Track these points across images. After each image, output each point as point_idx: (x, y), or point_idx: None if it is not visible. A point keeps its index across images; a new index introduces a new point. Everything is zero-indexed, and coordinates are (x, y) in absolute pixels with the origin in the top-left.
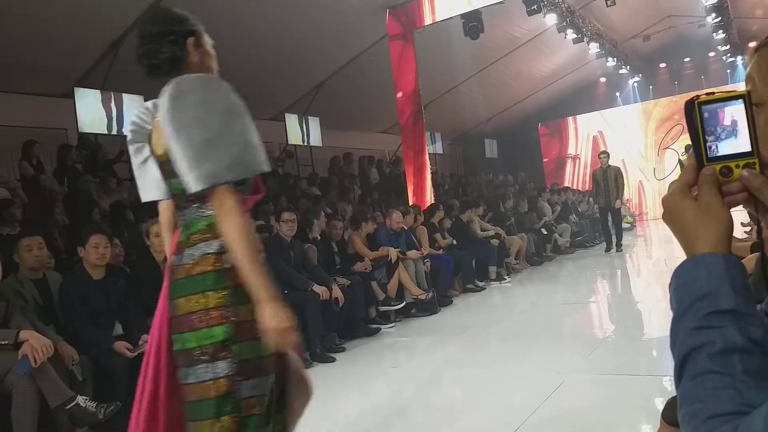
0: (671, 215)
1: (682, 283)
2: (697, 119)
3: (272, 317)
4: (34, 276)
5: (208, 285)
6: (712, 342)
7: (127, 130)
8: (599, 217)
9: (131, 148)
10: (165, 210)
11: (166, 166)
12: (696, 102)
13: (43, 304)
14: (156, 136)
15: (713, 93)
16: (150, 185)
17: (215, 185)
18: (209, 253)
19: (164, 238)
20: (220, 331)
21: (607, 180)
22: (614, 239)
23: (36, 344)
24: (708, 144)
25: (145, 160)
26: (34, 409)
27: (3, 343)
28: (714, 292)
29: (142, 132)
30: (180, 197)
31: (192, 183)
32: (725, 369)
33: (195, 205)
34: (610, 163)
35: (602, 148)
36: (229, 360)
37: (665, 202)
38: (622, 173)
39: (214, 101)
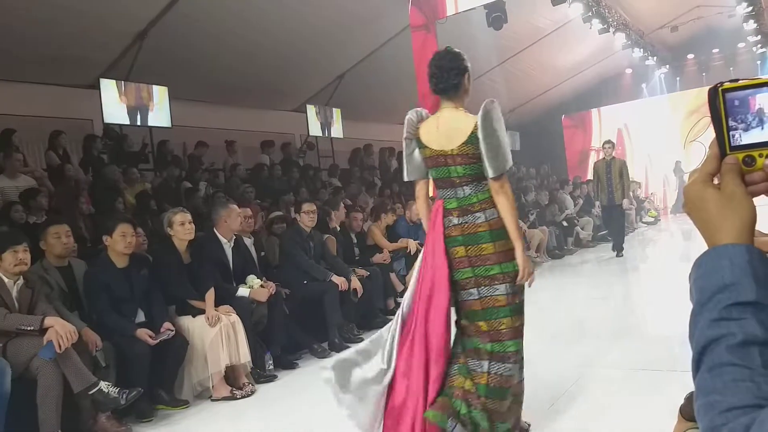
0: (693, 205)
1: (703, 274)
2: (721, 107)
3: (525, 260)
4: (59, 263)
5: (503, 235)
6: (732, 334)
7: (406, 128)
8: (602, 215)
9: (405, 143)
10: (423, 186)
11: (456, 157)
12: (720, 89)
13: (68, 291)
14: (445, 138)
15: (737, 80)
16: (414, 169)
17: (501, 174)
18: (497, 217)
19: (421, 205)
20: (514, 264)
21: (611, 174)
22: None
23: (61, 330)
24: (731, 132)
25: (412, 152)
26: (58, 393)
27: (29, 328)
28: (736, 283)
29: (412, 131)
30: (454, 179)
31: (491, 172)
32: (744, 361)
33: (470, 185)
34: (632, 156)
35: (627, 141)
36: (513, 281)
37: (687, 191)
38: (627, 167)
39: (500, 117)
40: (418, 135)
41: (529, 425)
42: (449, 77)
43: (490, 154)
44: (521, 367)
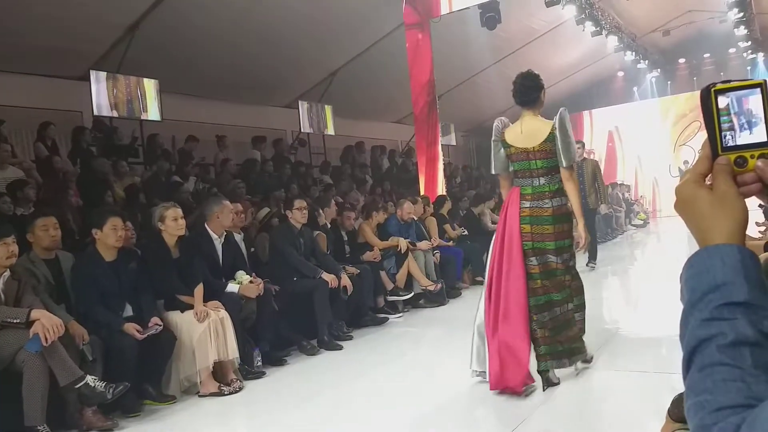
0: (685, 204)
1: (694, 273)
2: (713, 107)
3: (586, 233)
4: (46, 256)
5: (566, 219)
6: (723, 334)
7: (494, 133)
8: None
9: (493, 144)
10: (506, 177)
11: (537, 152)
12: (712, 90)
13: (55, 284)
14: (527, 138)
15: (730, 81)
16: (499, 164)
17: (570, 165)
18: (565, 204)
19: (505, 192)
20: (569, 242)
21: (583, 176)
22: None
23: (47, 323)
24: (723, 133)
25: (498, 151)
26: (43, 387)
27: (15, 321)
28: (727, 283)
29: (499, 135)
30: (533, 170)
31: (564, 162)
32: (735, 361)
33: (545, 177)
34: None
35: (618, 143)
36: (570, 254)
37: (678, 191)
38: (600, 168)
39: (569, 121)
40: (503, 138)
41: (592, 356)
42: (531, 93)
43: (564, 147)
44: (569, 304)
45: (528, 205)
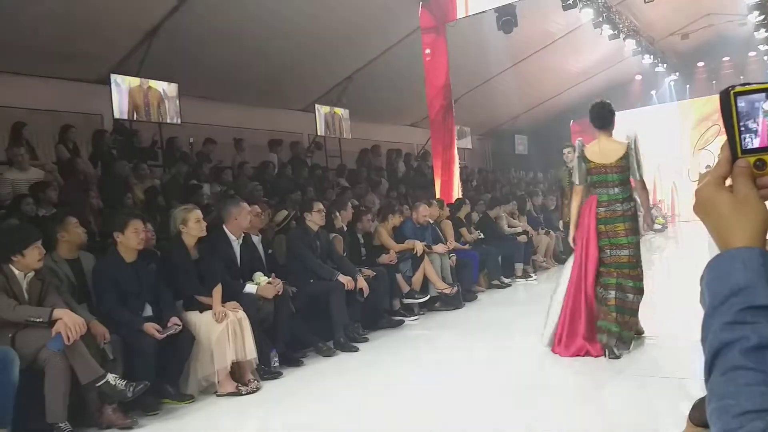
0: (705, 207)
1: (716, 277)
2: (733, 110)
3: (650, 220)
4: (69, 256)
5: (635, 219)
6: (746, 337)
7: (577, 151)
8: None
9: (577, 160)
10: (581, 188)
11: (613, 168)
12: (731, 92)
13: (77, 284)
14: (604, 155)
15: (749, 83)
16: (582, 176)
17: (642, 177)
18: (632, 207)
19: (576, 200)
20: (638, 237)
21: None
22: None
23: (69, 322)
24: (743, 136)
25: (581, 164)
26: (65, 385)
27: (38, 320)
28: (750, 287)
29: (581, 152)
30: (609, 182)
31: (639, 174)
32: (758, 365)
33: (618, 187)
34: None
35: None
36: (638, 250)
37: (698, 193)
38: None
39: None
40: (584, 154)
41: (644, 331)
42: (608, 117)
43: (639, 164)
44: (638, 296)
45: (603, 210)
